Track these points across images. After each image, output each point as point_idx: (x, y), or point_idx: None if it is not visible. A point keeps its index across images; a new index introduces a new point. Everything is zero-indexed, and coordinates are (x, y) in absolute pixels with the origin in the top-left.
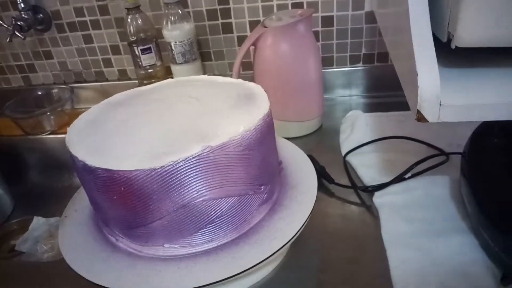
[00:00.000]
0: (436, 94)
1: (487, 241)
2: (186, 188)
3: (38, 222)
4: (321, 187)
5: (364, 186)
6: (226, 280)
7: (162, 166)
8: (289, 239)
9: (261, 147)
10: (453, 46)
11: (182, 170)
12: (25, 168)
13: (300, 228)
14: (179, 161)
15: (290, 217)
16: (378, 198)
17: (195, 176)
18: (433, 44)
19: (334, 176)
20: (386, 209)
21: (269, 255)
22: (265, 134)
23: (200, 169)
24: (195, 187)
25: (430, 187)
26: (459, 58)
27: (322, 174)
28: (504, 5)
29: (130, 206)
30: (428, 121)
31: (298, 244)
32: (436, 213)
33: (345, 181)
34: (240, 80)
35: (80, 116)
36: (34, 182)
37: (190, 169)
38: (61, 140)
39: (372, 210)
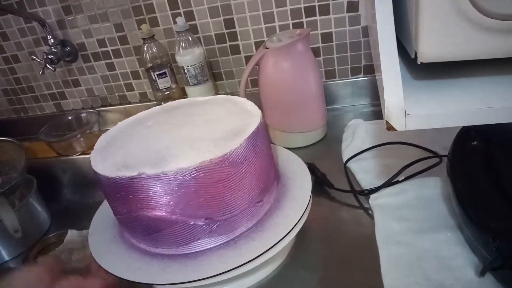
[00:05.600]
0: (400, 107)
1: (469, 236)
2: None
3: (72, 235)
4: (322, 193)
5: (362, 190)
6: (234, 276)
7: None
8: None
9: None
10: (418, 62)
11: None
12: (60, 186)
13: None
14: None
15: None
16: (374, 200)
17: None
18: (398, 62)
19: (335, 182)
20: (380, 210)
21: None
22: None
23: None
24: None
25: (423, 189)
26: (431, 70)
27: (323, 181)
28: (456, 25)
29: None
30: (396, 130)
31: (300, 245)
32: (426, 213)
33: (345, 186)
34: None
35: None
36: (68, 199)
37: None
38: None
39: (368, 212)
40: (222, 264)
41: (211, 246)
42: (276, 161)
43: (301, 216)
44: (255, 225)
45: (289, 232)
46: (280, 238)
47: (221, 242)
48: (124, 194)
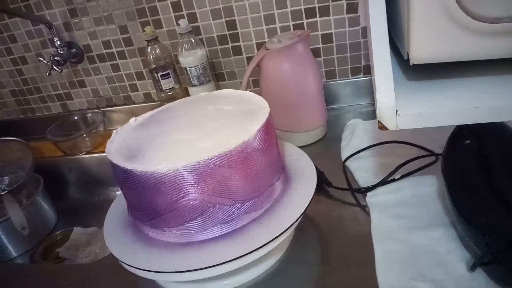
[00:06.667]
0: (392, 107)
1: (461, 233)
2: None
3: (77, 232)
4: (320, 191)
5: (359, 188)
6: (237, 267)
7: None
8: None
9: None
10: (411, 63)
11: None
12: (66, 185)
13: (300, 215)
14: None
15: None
16: (370, 198)
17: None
18: (390, 63)
19: (334, 180)
20: (377, 208)
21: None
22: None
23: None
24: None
25: (418, 187)
26: (425, 71)
27: (321, 179)
28: (446, 28)
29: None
30: (388, 129)
31: (298, 241)
32: (422, 210)
33: (343, 184)
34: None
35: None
36: (74, 197)
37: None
38: (97, 159)
39: (365, 210)
40: (230, 252)
41: (219, 234)
42: (283, 155)
43: (304, 210)
44: (261, 215)
45: (293, 223)
46: (285, 229)
47: (227, 231)
48: (161, 187)
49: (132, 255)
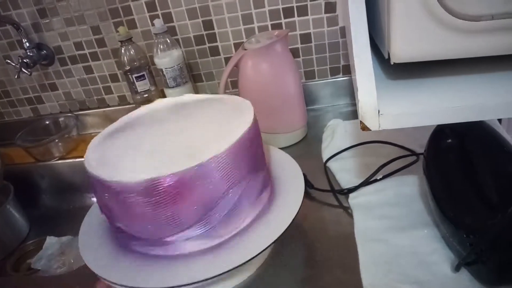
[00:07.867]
0: (374, 106)
1: (444, 233)
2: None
3: (51, 242)
4: None
5: (341, 189)
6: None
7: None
8: (277, 236)
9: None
10: (391, 62)
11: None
12: (38, 192)
13: (287, 227)
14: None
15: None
16: (353, 199)
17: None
18: (371, 62)
19: (315, 182)
20: (359, 209)
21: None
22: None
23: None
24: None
25: (401, 187)
26: (406, 70)
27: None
28: (427, 26)
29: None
30: (370, 130)
31: (281, 246)
32: (404, 210)
33: (325, 185)
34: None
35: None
36: (47, 205)
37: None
38: (70, 165)
39: (347, 211)
40: (215, 266)
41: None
42: (268, 161)
43: (290, 223)
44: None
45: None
46: (271, 242)
47: (213, 244)
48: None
49: (110, 268)
